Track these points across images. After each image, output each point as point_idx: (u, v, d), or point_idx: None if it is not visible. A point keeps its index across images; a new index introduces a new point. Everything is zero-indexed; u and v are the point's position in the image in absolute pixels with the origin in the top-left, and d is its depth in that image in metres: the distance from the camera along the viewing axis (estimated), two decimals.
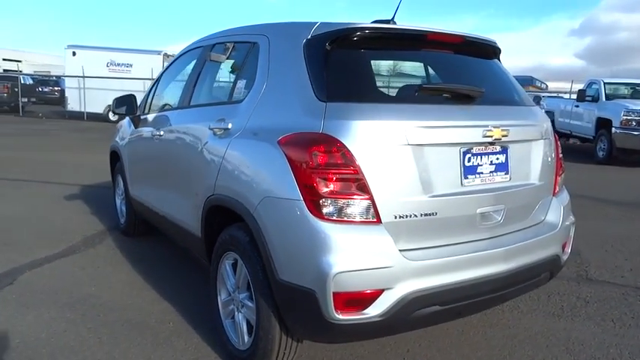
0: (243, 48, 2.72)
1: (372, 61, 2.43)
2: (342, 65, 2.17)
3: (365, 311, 1.94)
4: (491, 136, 2.18)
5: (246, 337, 2.37)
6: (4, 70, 32.36)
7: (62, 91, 21.19)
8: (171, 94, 3.59)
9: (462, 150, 2.15)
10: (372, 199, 1.95)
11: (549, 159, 2.56)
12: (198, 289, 3.35)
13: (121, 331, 2.82)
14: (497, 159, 2.29)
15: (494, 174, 2.28)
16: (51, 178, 7.21)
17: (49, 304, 3.13)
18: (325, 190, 1.92)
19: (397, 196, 1.99)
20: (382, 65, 2.79)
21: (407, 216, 2.01)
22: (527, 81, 43.85)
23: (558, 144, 2.70)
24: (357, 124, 1.96)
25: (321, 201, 1.92)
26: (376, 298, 1.94)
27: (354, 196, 1.93)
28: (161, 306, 3.16)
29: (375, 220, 1.96)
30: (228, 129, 2.47)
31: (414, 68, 2.94)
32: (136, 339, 2.73)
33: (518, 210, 2.38)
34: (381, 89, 2.43)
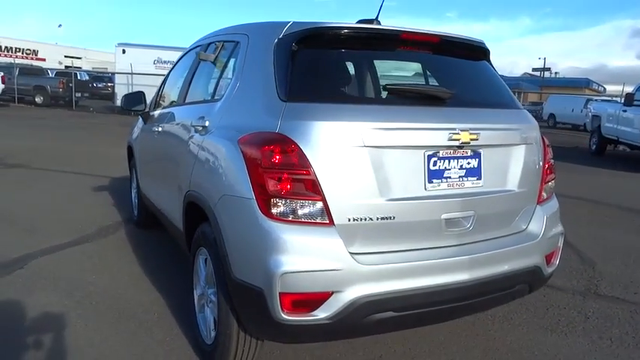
0: (229, 47, 2.77)
1: (341, 61, 2.41)
2: (306, 65, 2.16)
3: (313, 313, 1.93)
4: (459, 140, 2.12)
5: (212, 332, 2.41)
6: (66, 67, 34.24)
7: (114, 87, 22.14)
8: (172, 92, 3.69)
9: (426, 153, 2.10)
10: (324, 200, 1.93)
11: (534, 165, 2.46)
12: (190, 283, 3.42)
13: (108, 319, 2.93)
14: (469, 163, 2.22)
15: (464, 179, 2.20)
16: (85, 170, 7.55)
17: (50, 289, 3.30)
18: (276, 190, 1.92)
19: (352, 199, 1.97)
20: (354, 65, 2.74)
21: (362, 219, 1.98)
22: (583, 83, 42.08)
23: (547, 150, 2.58)
24: (312, 124, 1.95)
25: (272, 201, 1.92)
26: (325, 301, 1.92)
27: (306, 198, 1.93)
28: (151, 297, 3.26)
29: (327, 221, 1.94)
30: (205, 127, 2.52)
31: (388, 69, 2.88)
32: (119, 327, 2.83)
33: (492, 217, 2.30)
34: (347, 90, 2.39)
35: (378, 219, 2.00)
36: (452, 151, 2.16)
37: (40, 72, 23.67)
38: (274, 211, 1.92)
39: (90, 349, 2.59)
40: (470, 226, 2.20)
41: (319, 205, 1.93)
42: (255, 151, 1.97)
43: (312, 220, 1.94)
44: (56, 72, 25.72)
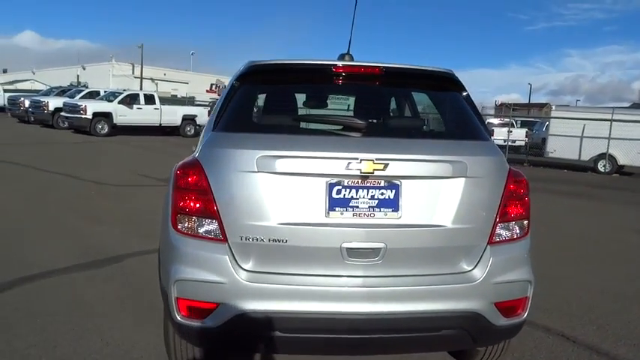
0: None
1: (265, 94, 2.57)
2: (236, 99, 2.40)
3: (204, 320, 2.14)
4: (359, 169, 2.09)
5: None
6: None
7: None
8: None
9: (329, 182, 2.13)
10: (219, 219, 2.14)
11: (481, 201, 2.23)
12: None
13: (142, 309, 3.50)
14: (382, 194, 2.15)
15: (375, 209, 2.15)
16: None
17: (120, 280, 4.06)
18: (181, 207, 2.20)
19: (245, 220, 2.12)
20: (280, 98, 2.82)
21: (254, 239, 2.12)
22: None
23: (513, 186, 2.29)
24: (216, 151, 2.19)
25: (177, 216, 2.21)
26: (213, 310, 2.12)
27: (203, 216, 2.16)
28: None
29: (220, 238, 2.14)
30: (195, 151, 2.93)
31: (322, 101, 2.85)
32: (144, 316, 3.37)
33: (415, 252, 2.17)
34: (260, 120, 2.50)
35: (269, 240, 2.11)
36: (359, 181, 2.14)
37: None
38: (179, 225, 2.20)
39: (110, 329, 3.17)
40: (379, 258, 2.13)
41: (215, 223, 2.15)
42: (175, 173, 2.29)
43: (208, 236, 2.16)
44: None
